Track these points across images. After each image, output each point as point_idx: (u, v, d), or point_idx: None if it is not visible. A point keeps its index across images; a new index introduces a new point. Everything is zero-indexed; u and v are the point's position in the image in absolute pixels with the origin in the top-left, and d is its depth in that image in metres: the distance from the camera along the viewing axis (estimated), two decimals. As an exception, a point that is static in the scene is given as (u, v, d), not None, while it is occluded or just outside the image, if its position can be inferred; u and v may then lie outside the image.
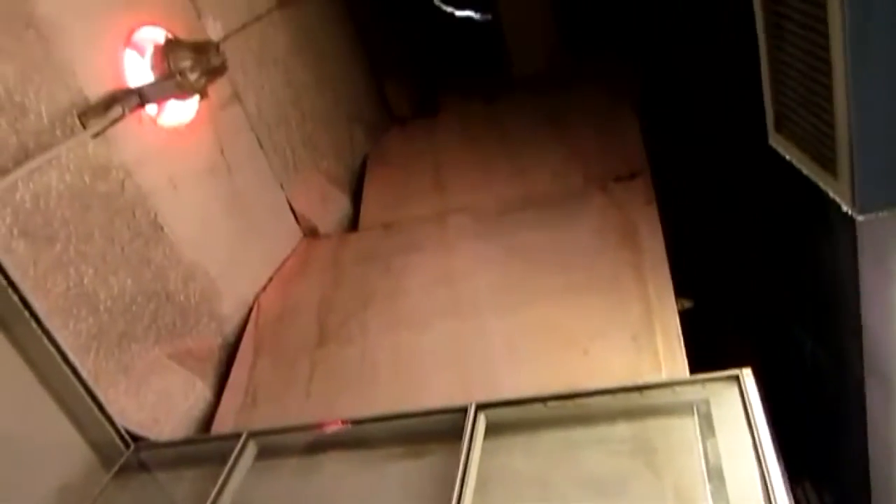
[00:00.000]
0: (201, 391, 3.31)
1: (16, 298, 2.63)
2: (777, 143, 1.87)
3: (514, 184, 4.28)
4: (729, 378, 2.32)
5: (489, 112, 5.24)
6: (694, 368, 2.76)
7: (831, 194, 1.65)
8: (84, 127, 3.00)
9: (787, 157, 1.83)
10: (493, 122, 5.03)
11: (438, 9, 7.16)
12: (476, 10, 6.98)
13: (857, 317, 2.91)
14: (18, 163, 2.72)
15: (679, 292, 3.29)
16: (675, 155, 4.41)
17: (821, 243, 3.18)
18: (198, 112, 3.64)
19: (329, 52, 4.92)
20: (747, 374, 2.31)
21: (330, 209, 4.41)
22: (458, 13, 7.18)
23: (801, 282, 3.56)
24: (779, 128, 1.83)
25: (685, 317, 3.18)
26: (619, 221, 3.67)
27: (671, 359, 2.86)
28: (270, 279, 3.93)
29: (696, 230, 4.13)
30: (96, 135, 3.04)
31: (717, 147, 4.09)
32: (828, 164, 1.61)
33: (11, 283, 2.63)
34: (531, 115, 4.97)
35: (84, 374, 2.77)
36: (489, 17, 6.04)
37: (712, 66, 3.90)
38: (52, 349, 2.69)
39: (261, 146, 4.10)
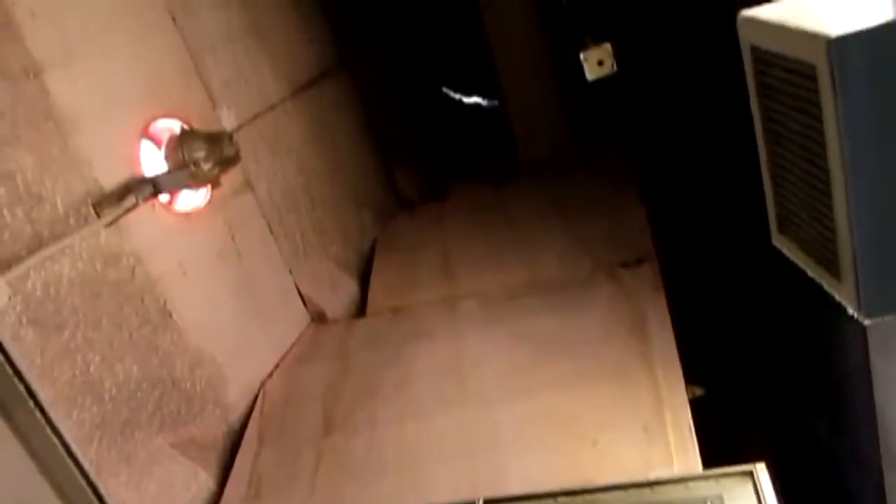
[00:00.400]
0: (204, 481, 3.26)
1: (21, 388, 2.62)
2: (780, 243, 1.88)
3: (522, 269, 4.30)
4: (743, 473, 2.31)
5: (497, 197, 5.31)
6: (706, 459, 2.73)
7: (837, 298, 1.66)
8: (98, 216, 3.05)
9: (791, 257, 1.84)
10: (500, 208, 5.09)
11: (447, 95, 7.35)
12: (483, 97, 7.17)
13: (871, 406, 2.87)
14: (32, 251, 2.76)
15: (690, 379, 3.27)
16: (681, 241, 4.44)
17: (831, 331, 3.16)
18: (209, 199, 3.70)
19: (340, 139, 5.04)
20: (761, 469, 2.29)
21: (338, 294, 4.43)
22: (466, 100, 7.38)
23: (814, 369, 3.53)
24: (781, 229, 1.86)
25: (696, 405, 3.15)
26: (627, 309, 3.67)
27: (683, 451, 2.82)
28: (277, 365, 3.92)
29: (705, 316, 4.12)
30: (109, 223, 3.09)
31: (725, 233, 4.12)
32: (832, 267, 1.62)
33: (17, 372, 2.63)
34: (538, 200, 5.03)
35: (86, 465, 2.73)
36: (496, 103, 6.19)
37: (717, 153, 3.96)
38: (54, 439, 2.65)
39: (271, 232, 4.15)
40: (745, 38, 1.73)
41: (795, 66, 1.55)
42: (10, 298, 2.64)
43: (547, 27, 5.29)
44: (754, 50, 1.71)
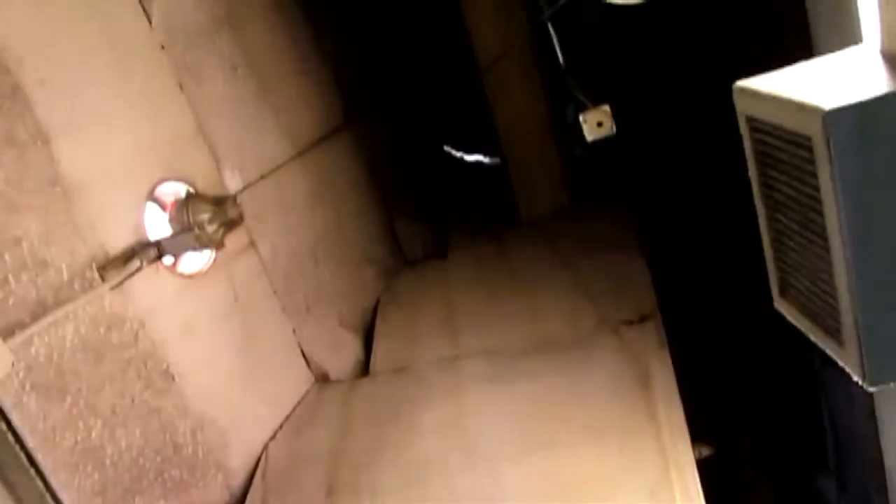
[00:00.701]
0: (206, 548, 3.22)
1: (22, 455, 2.61)
2: (782, 307, 1.89)
3: (525, 325, 4.29)
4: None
5: (499, 253, 5.33)
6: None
7: (840, 363, 1.66)
8: (103, 280, 3.06)
9: (793, 322, 1.84)
10: (503, 263, 5.11)
11: (449, 153, 7.43)
12: (485, 155, 7.24)
13: (879, 466, 2.84)
14: (36, 318, 2.76)
15: (696, 438, 3.24)
16: (684, 297, 4.44)
17: (838, 390, 3.14)
18: (213, 261, 3.72)
19: (344, 197, 5.07)
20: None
21: (341, 353, 4.41)
22: (468, 158, 7.46)
23: (820, 428, 3.50)
24: (783, 293, 1.86)
25: (704, 464, 3.12)
26: (631, 366, 3.65)
27: (691, 514, 2.79)
28: (280, 427, 3.89)
29: (710, 373, 4.10)
30: (114, 287, 3.10)
31: (728, 289, 4.12)
32: (834, 333, 1.62)
33: (19, 440, 2.62)
34: (540, 255, 5.06)
35: (86, 535, 2.71)
36: (497, 161, 6.26)
37: (717, 211, 3.99)
38: (55, 508, 2.64)
39: (274, 292, 4.15)
40: (741, 109, 1.76)
41: (791, 137, 1.58)
42: (13, 365, 2.63)
43: (547, 88, 5.37)
44: (750, 120, 1.74)
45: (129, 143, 3.40)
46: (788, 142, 1.60)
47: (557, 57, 3.79)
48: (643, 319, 3.96)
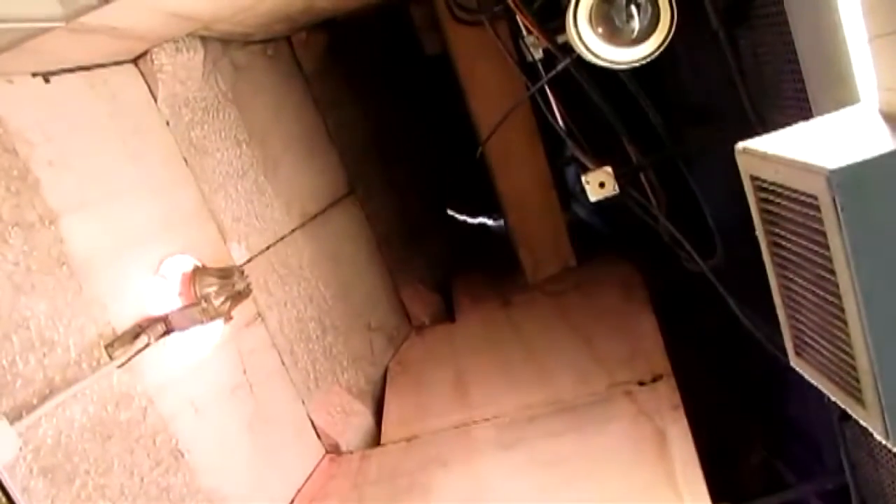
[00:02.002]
0: None
1: (30, 542, 2.57)
2: (799, 367, 1.87)
3: (536, 389, 4.26)
4: None
5: (507, 315, 5.32)
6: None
7: (862, 423, 1.63)
8: (111, 358, 3.06)
9: (812, 381, 1.82)
10: (511, 326, 5.10)
11: (453, 217, 7.48)
12: (489, 217, 7.28)
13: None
14: (43, 399, 2.75)
15: (717, 499, 3.18)
16: (697, 354, 4.41)
17: (858, 443, 3.10)
18: (221, 334, 3.71)
19: (349, 265, 5.10)
20: None
21: (352, 424, 4.37)
22: (472, 221, 7.50)
23: (843, 485, 3.44)
24: (799, 353, 1.85)
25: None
26: (646, 428, 3.61)
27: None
28: (292, 501, 3.82)
29: (727, 432, 4.05)
30: (122, 364, 3.09)
31: (742, 344, 4.09)
32: (854, 392, 1.60)
33: (27, 526, 2.58)
34: (548, 316, 5.04)
35: None
36: (502, 223, 6.29)
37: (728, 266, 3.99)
38: None
39: (282, 363, 4.14)
40: (745, 169, 1.78)
41: (798, 196, 1.58)
42: (21, 449, 2.61)
43: (548, 151, 5.43)
44: (755, 179, 1.75)
45: (135, 220, 3.44)
46: (795, 201, 1.61)
47: (557, 120, 3.83)
48: (656, 379, 3.93)
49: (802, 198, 1.56)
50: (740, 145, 1.79)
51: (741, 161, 1.79)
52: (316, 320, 4.54)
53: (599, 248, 5.90)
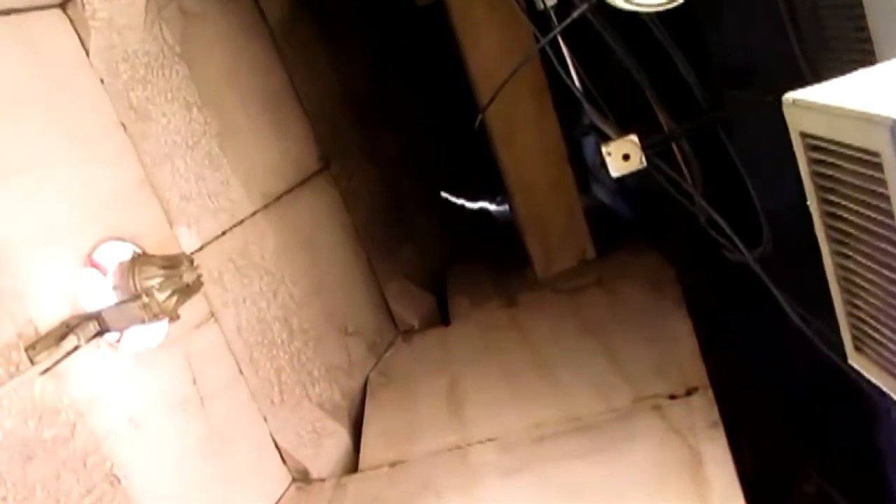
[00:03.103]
0: None
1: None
2: (858, 364, 1.87)
3: (547, 404, 4.27)
4: None
5: (512, 317, 5.35)
6: None
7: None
8: (32, 362, 3.05)
9: (874, 381, 1.82)
10: (517, 330, 5.12)
11: (449, 200, 7.49)
12: (491, 201, 7.30)
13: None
14: (-50, 411, 2.75)
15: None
16: (738, 361, 4.41)
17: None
18: (166, 336, 3.71)
19: (322, 256, 5.10)
20: None
21: (324, 446, 4.37)
22: (471, 205, 7.51)
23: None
24: (859, 348, 1.84)
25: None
26: (678, 450, 3.62)
27: None
28: (251, 538, 3.83)
29: (772, 454, 4.06)
30: (45, 371, 3.09)
31: (791, 348, 4.10)
32: (925, 392, 1.60)
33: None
34: (562, 319, 5.07)
35: None
36: (506, 207, 6.31)
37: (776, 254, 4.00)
38: None
39: (240, 372, 4.14)
40: (794, 124, 1.77)
41: (856, 154, 1.58)
42: (-78, 469, 2.61)
43: (562, 119, 5.44)
44: (805, 137, 1.75)
45: (61, 196, 3.43)
46: (853, 160, 1.60)
47: (572, 80, 3.83)
48: (690, 392, 3.94)
49: (862, 155, 1.55)
50: (788, 96, 1.78)
51: (789, 115, 1.78)
52: (281, 321, 4.54)
53: (623, 236, 5.92)
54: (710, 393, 3.87)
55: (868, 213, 1.62)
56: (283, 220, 4.79)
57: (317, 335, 4.80)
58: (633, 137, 3.44)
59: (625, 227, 6.43)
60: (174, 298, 3.46)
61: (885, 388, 1.79)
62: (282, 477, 4.20)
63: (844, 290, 1.83)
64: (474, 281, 6.13)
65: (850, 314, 1.85)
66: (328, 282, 5.08)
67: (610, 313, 4.89)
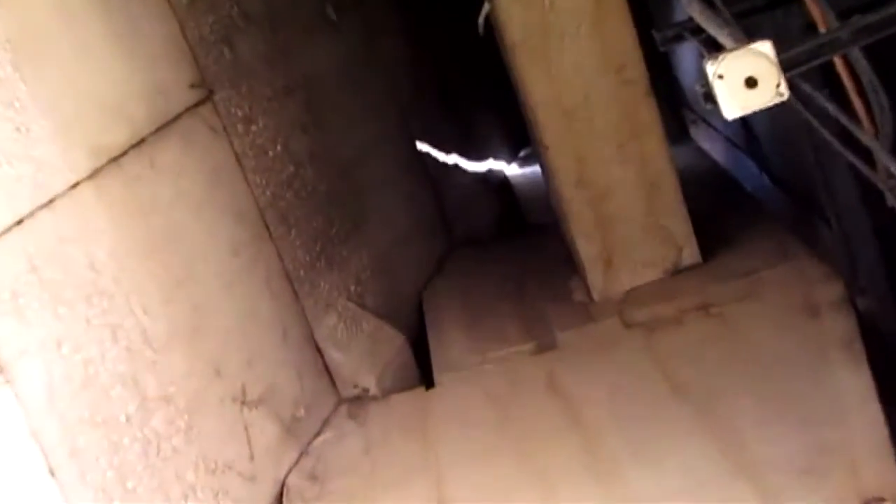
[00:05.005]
0: None
1: None
2: None
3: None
4: None
5: (546, 373, 5.40)
6: None
7: None
8: None
9: None
10: (556, 397, 5.17)
11: (433, 157, 7.52)
12: (505, 159, 7.27)
13: None
14: None
15: None
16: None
17: None
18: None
19: (201, 263, 5.08)
20: None
21: None
22: (469, 166, 7.53)
23: None
24: None
25: None
26: None
27: None
28: None
29: None
30: None
31: None
32: None
33: None
34: (638, 376, 5.09)
35: None
36: (535, 167, 6.30)
37: None
38: None
39: (52, 475, 4.10)
40: None
41: None
42: None
43: (638, 16, 5.45)
44: None
45: None
46: None
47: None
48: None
49: None
50: None
51: None
52: (126, 382, 4.50)
53: (749, 223, 5.93)
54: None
55: None
56: (128, 197, 4.74)
57: (190, 406, 4.77)
58: (765, 46, 3.42)
59: (748, 205, 6.46)
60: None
61: None
62: None
63: None
64: (476, 303, 6.13)
65: None
66: (210, 310, 5.07)
67: (726, 365, 4.88)
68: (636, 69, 5.53)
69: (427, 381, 5.73)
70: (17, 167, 4.30)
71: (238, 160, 5.48)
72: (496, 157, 8.33)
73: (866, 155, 3.67)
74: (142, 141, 4.88)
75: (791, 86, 3.33)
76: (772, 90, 3.29)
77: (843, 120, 3.59)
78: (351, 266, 5.99)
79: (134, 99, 4.93)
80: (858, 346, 4.68)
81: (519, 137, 7.55)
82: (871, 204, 4.13)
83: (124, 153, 4.77)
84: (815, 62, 3.46)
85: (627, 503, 4.40)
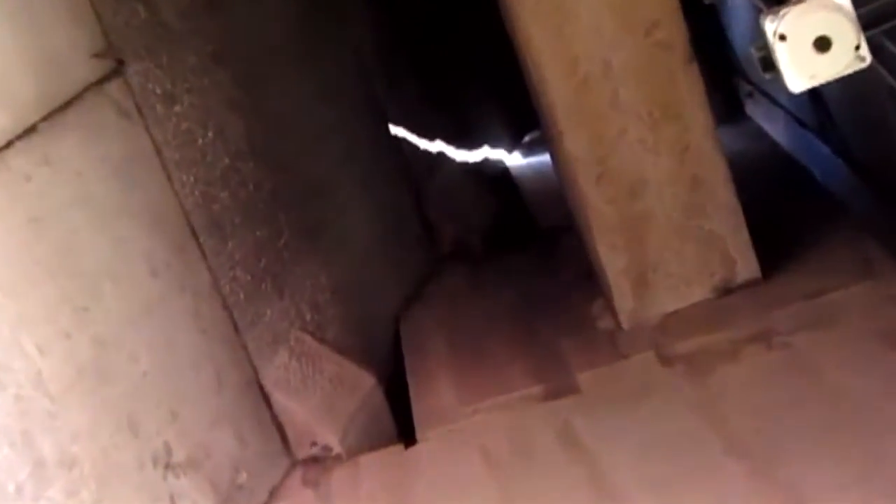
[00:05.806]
0: None
1: None
2: None
3: None
4: None
5: (562, 425, 5.37)
6: None
7: None
8: None
9: None
10: (576, 462, 5.11)
11: (415, 146, 7.56)
12: (511, 145, 7.26)
13: None
14: None
15: None
16: None
17: None
18: None
19: (110, 287, 5.05)
20: None
21: None
22: (461, 153, 7.54)
23: None
24: None
25: None
26: None
27: None
28: None
29: None
30: None
31: None
32: None
33: None
34: (682, 431, 5.04)
35: None
36: (545, 157, 6.30)
37: None
38: None
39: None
40: None
41: None
42: None
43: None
44: None
45: None
46: None
47: None
48: None
49: None
50: None
51: None
52: (15, 440, 4.46)
53: (822, 226, 5.93)
54: None
55: None
56: (13, 203, 4.71)
57: (98, 472, 4.74)
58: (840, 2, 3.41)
59: (820, 202, 6.45)
60: None
61: None
62: None
63: None
64: (472, 337, 6.12)
65: None
66: (121, 346, 5.04)
67: (792, 413, 4.84)
68: (672, 28, 5.52)
69: (407, 435, 5.71)
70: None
71: (157, 151, 5.44)
72: (493, 144, 8.37)
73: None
74: (30, 129, 4.84)
75: (874, 48, 3.31)
76: (849, 53, 3.27)
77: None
78: (305, 288, 5.98)
79: (17, 74, 4.88)
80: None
81: (523, 118, 7.47)
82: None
83: (7, 145, 4.73)
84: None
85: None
